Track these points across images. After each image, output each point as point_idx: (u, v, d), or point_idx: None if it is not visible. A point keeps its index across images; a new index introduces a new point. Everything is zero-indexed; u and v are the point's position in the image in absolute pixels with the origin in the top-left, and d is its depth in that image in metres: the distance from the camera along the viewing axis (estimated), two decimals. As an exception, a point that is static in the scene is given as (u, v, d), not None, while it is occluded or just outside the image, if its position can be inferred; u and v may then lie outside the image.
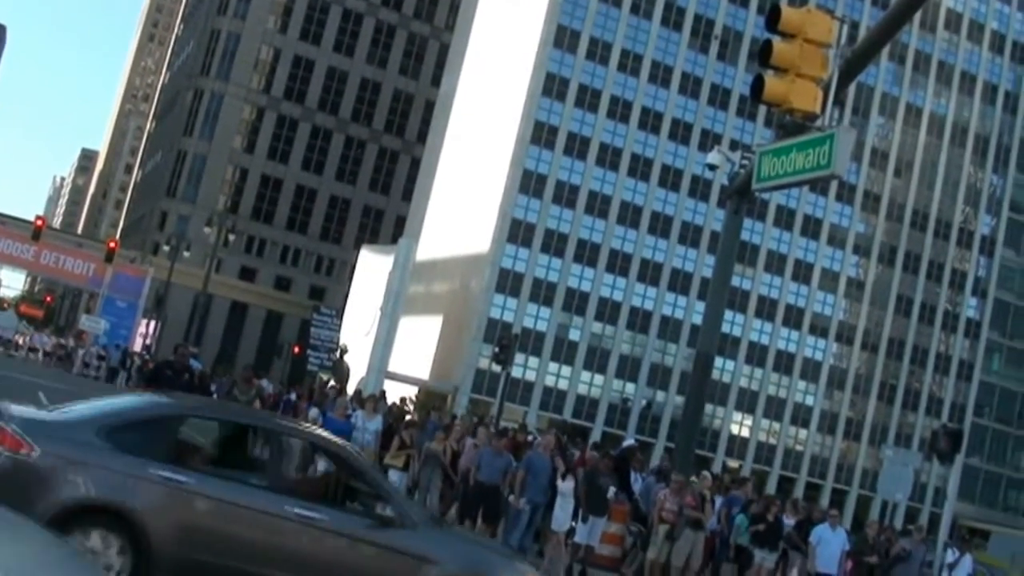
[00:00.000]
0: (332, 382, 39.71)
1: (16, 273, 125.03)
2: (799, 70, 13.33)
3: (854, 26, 65.22)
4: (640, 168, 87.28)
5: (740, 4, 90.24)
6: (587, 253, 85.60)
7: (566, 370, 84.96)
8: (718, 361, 69.55)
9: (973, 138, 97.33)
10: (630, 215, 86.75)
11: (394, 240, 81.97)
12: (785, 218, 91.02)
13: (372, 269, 72.25)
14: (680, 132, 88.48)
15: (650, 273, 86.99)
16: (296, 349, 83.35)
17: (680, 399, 77.47)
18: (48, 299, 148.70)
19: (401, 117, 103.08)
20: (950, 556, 22.41)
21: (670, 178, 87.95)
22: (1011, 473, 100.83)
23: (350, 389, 39.18)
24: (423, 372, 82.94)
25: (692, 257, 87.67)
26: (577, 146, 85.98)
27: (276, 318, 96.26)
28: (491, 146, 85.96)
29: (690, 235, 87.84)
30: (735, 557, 21.09)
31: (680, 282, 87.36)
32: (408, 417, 27.15)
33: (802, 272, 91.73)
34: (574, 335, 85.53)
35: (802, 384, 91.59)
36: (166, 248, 72.79)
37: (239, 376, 24.35)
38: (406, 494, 17.04)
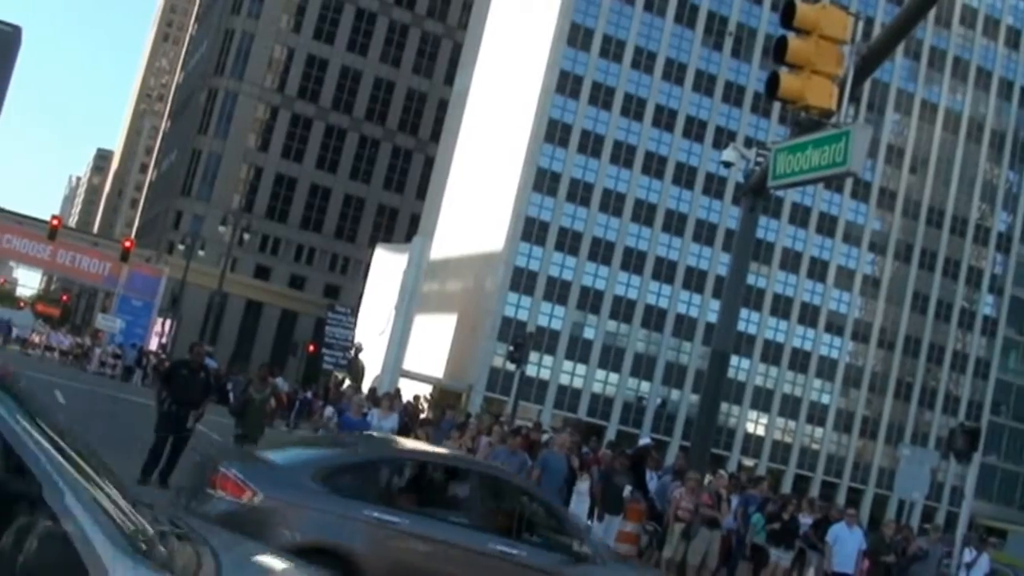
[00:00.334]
0: (347, 381, 39.69)
1: (33, 272, 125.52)
2: (815, 66, 13.25)
3: (869, 22, 65.06)
4: (654, 166, 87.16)
5: (754, 1, 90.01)
6: (601, 251, 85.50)
7: (581, 368, 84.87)
8: (733, 359, 69.40)
9: (989, 134, 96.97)
10: (645, 213, 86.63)
11: (408, 239, 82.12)
12: (800, 215, 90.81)
13: (386, 268, 72.39)
14: (694, 129, 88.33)
15: (665, 271, 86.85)
16: (311, 348, 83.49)
17: (695, 397, 77.35)
18: (64, 298, 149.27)
19: (415, 116, 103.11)
20: (968, 555, 22.32)
21: (684, 176, 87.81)
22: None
23: (364, 387, 39.19)
24: (437, 370, 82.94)
25: (707, 255, 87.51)
26: (591, 144, 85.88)
27: (291, 317, 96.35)
28: (505, 144, 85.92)
29: (705, 233, 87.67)
30: (751, 556, 21.06)
31: (695, 280, 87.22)
32: (423, 415, 27.13)
33: (818, 270, 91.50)
34: (589, 333, 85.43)
35: (818, 382, 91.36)
36: (181, 247, 73.02)
37: (255, 374, 24.36)
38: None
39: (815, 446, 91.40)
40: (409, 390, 49.50)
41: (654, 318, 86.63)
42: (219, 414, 23.79)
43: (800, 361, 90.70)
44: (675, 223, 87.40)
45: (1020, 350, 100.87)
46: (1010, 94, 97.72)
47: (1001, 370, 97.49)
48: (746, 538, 20.89)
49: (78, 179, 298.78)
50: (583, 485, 18.25)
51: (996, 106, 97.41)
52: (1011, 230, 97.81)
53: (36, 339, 67.47)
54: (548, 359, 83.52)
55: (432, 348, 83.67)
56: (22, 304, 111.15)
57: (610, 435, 70.99)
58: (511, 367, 56.99)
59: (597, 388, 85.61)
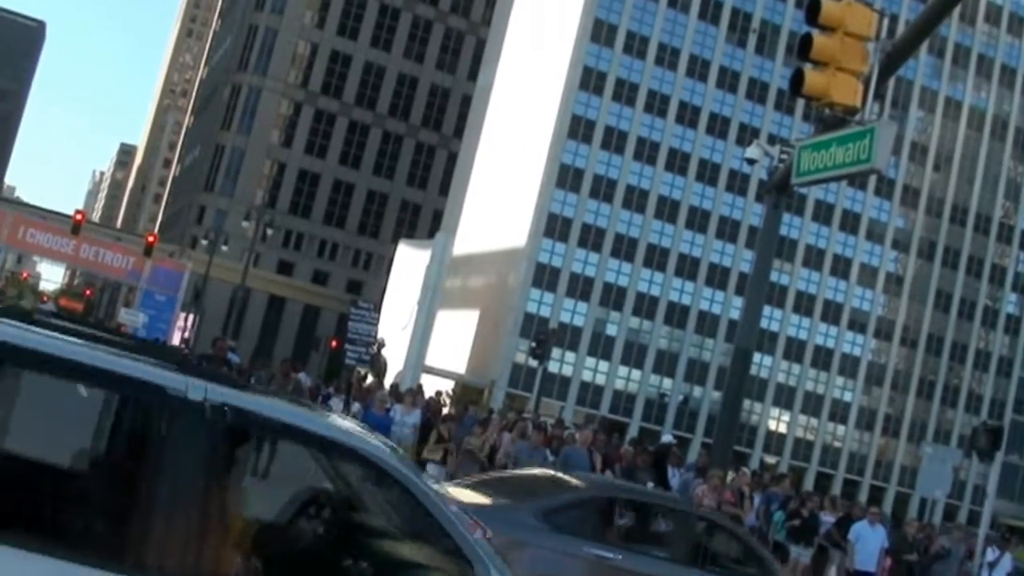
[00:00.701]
0: (369, 376, 39.72)
1: (56, 267, 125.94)
2: (839, 64, 13.23)
3: (893, 19, 64.81)
4: (678, 162, 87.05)
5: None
6: (624, 248, 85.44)
7: (603, 365, 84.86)
8: (756, 356, 69.31)
9: (1013, 132, 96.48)
10: (668, 209, 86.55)
11: (431, 234, 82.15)
12: (824, 213, 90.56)
13: (409, 263, 72.40)
14: (718, 126, 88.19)
15: (688, 268, 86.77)
16: (333, 343, 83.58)
17: (718, 395, 77.21)
18: (88, 292, 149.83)
19: (438, 112, 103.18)
20: (990, 555, 22.25)
21: (708, 172, 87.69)
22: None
23: (387, 383, 39.24)
24: (460, 366, 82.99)
25: (730, 252, 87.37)
26: (614, 140, 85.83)
27: (313, 312, 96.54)
28: (528, 140, 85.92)
29: (728, 230, 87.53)
30: (773, 553, 21.01)
31: (718, 277, 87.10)
32: (445, 411, 27.18)
33: (841, 267, 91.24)
34: (611, 330, 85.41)
35: (840, 380, 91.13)
36: (204, 242, 73.10)
37: (278, 369, 24.51)
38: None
39: (837, 444, 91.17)
40: (431, 386, 49.56)
41: (677, 315, 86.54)
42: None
43: (823, 358, 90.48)
44: (698, 220, 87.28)
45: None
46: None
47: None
48: (768, 536, 20.88)
49: (102, 174, 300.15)
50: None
51: (1020, 104, 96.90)
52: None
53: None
54: (570, 355, 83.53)
55: (455, 344, 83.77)
56: (46, 298, 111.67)
57: (632, 432, 70.96)
58: (533, 363, 56.96)
59: (619, 385, 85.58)
